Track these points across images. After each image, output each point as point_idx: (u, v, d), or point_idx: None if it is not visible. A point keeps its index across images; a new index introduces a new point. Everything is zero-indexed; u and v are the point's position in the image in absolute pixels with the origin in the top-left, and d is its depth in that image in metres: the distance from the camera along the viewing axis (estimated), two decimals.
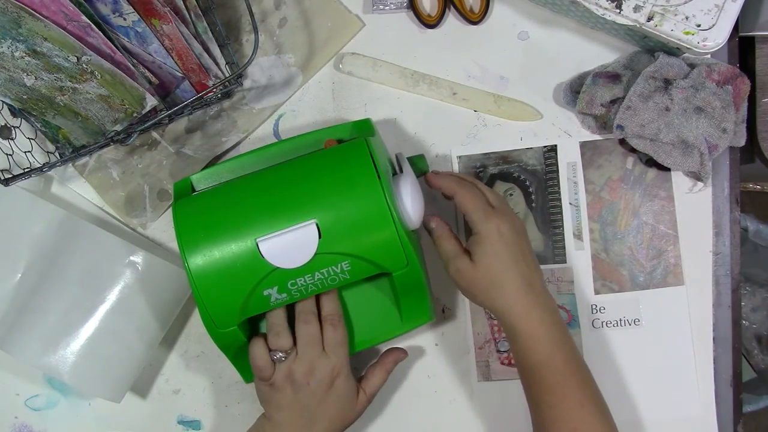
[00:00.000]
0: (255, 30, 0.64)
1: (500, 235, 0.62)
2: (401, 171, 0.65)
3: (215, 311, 0.61)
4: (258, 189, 0.63)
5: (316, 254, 0.60)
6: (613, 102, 0.69)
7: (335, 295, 0.66)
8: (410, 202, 0.62)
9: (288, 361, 0.63)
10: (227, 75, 0.70)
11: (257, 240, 0.60)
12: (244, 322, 0.64)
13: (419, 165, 0.68)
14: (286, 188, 0.62)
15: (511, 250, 0.62)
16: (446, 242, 0.65)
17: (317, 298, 0.66)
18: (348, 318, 0.69)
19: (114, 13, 0.67)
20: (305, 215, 0.60)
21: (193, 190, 0.68)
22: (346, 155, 0.63)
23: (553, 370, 0.61)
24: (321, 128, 0.70)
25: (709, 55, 0.67)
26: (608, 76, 0.70)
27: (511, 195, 0.74)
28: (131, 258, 0.70)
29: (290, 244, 0.60)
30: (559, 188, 0.73)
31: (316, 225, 0.60)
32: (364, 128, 0.68)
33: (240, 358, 0.66)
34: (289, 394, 0.63)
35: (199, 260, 0.60)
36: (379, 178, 0.60)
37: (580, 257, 0.73)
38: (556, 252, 0.73)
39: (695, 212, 0.73)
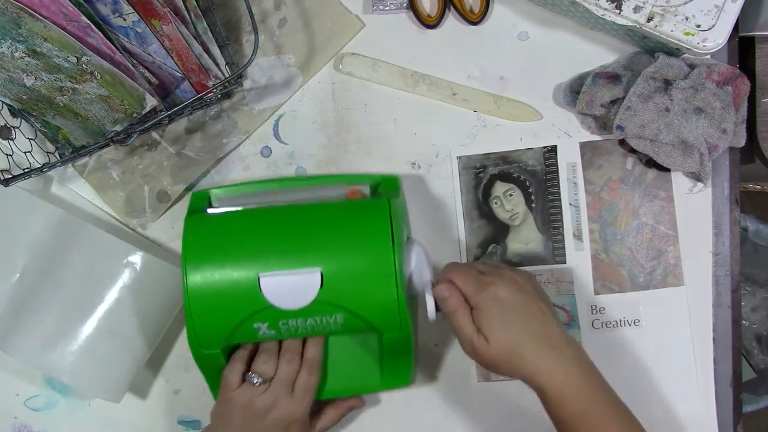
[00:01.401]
0: (255, 30, 0.64)
1: (499, 301, 0.59)
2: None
3: (203, 332, 0.62)
4: (272, 225, 0.63)
5: (313, 301, 0.60)
6: (613, 102, 0.69)
7: (322, 341, 0.67)
8: (418, 270, 0.62)
9: (258, 389, 0.63)
10: (227, 75, 0.70)
11: (260, 274, 0.60)
12: (227, 347, 0.64)
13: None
14: (300, 231, 0.62)
15: (517, 312, 0.59)
16: (459, 319, 0.60)
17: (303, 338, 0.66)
18: (328, 364, 0.69)
19: (114, 14, 0.67)
20: (312, 262, 0.61)
21: (210, 204, 0.68)
22: (366, 213, 0.63)
23: (589, 424, 0.58)
24: (349, 174, 0.71)
25: (709, 56, 0.67)
26: (608, 76, 0.70)
27: (511, 195, 0.74)
28: (129, 258, 0.70)
29: (291, 287, 0.60)
30: (559, 189, 0.73)
31: (321, 274, 0.60)
32: (391, 186, 0.69)
33: (216, 379, 0.67)
34: (241, 419, 0.63)
35: (198, 279, 0.61)
36: (393, 243, 0.60)
37: (580, 257, 0.73)
38: (556, 252, 0.73)
39: (695, 212, 0.73)
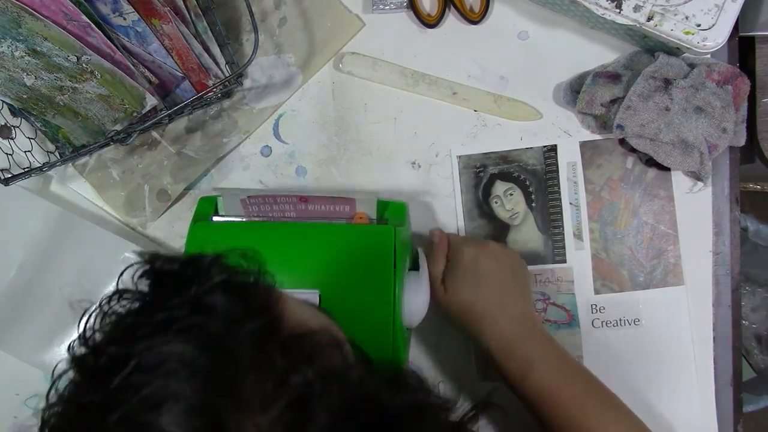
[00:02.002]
0: (255, 30, 0.64)
1: (472, 263, 0.64)
2: (417, 268, 0.65)
3: None
4: (276, 241, 0.63)
5: None
6: (613, 102, 0.69)
7: None
8: (416, 303, 0.62)
9: None
10: (227, 75, 0.70)
11: None
12: None
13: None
14: (302, 250, 0.62)
15: (482, 276, 0.64)
16: (438, 261, 0.67)
17: None
18: None
19: (114, 13, 0.67)
20: (311, 283, 0.60)
21: (216, 211, 0.68)
22: (371, 239, 0.62)
23: (537, 378, 0.60)
24: (356, 191, 0.70)
25: (709, 55, 0.67)
26: (608, 75, 0.70)
27: (511, 195, 0.74)
28: (126, 254, 0.70)
29: None
30: (559, 188, 0.73)
31: (319, 296, 0.60)
32: (398, 213, 0.68)
33: None
34: None
35: None
36: (394, 275, 0.60)
37: (580, 257, 0.73)
38: (556, 252, 0.73)
39: (695, 212, 0.73)
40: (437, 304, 0.65)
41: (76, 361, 0.38)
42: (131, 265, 0.41)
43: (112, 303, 0.40)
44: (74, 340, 0.39)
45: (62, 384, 0.38)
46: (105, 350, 0.36)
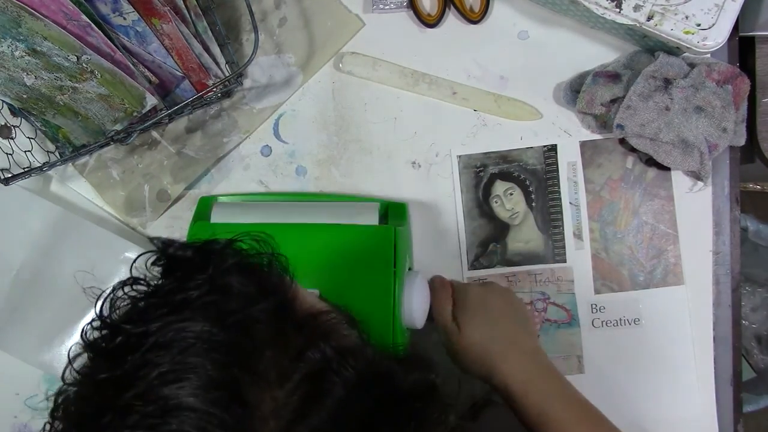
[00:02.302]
0: (255, 29, 0.64)
1: (480, 299, 0.64)
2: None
3: None
4: (277, 241, 0.63)
5: None
6: (613, 101, 0.69)
7: None
8: (416, 302, 0.62)
9: None
10: (227, 74, 0.70)
11: None
12: None
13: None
14: (301, 250, 0.62)
15: (493, 314, 0.64)
16: (441, 305, 0.65)
17: None
18: None
19: (114, 13, 0.67)
20: (311, 282, 0.60)
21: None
22: (371, 239, 0.62)
23: (547, 419, 0.60)
24: (358, 196, 0.71)
25: (709, 55, 0.67)
26: (608, 75, 0.70)
27: (511, 194, 0.74)
28: (126, 254, 0.70)
29: None
30: (559, 188, 0.73)
31: (318, 296, 0.60)
32: (399, 213, 0.68)
33: None
34: None
35: None
36: (394, 274, 0.60)
37: (580, 257, 0.73)
38: (556, 251, 0.73)
39: (695, 212, 0.73)
40: (453, 347, 0.63)
41: (91, 342, 0.38)
42: (144, 253, 0.41)
43: (126, 289, 0.40)
44: (87, 324, 0.39)
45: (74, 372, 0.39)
46: (122, 329, 0.37)
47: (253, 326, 0.37)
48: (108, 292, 0.40)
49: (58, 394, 0.38)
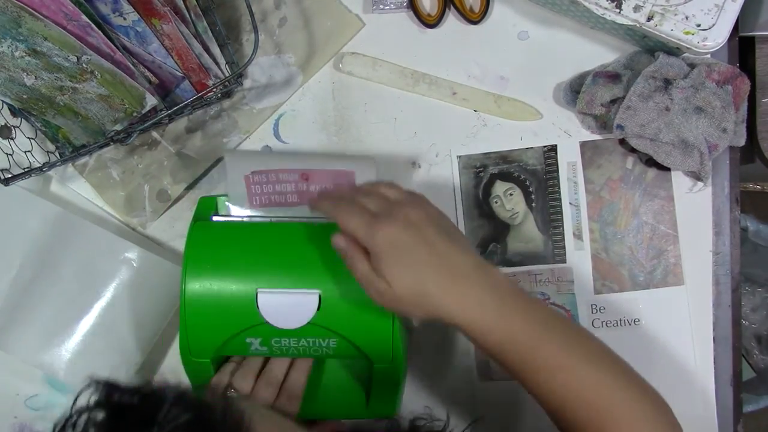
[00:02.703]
0: (255, 30, 0.64)
1: (393, 243, 0.54)
2: None
3: (195, 340, 0.62)
4: (276, 241, 0.63)
5: (308, 324, 0.60)
6: (613, 102, 0.69)
7: (308, 367, 0.66)
8: None
9: None
10: (227, 75, 0.70)
11: (258, 290, 0.60)
12: (218, 357, 0.64)
13: None
14: (303, 251, 0.62)
15: (413, 252, 0.54)
16: (357, 266, 0.56)
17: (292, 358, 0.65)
18: (314, 384, 0.68)
19: (114, 13, 0.67)
20: (312, 284, 0.60)
21: (217, 211, 0.68)
22: None
23: (515, 347, 0.53)
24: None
25: (709, 55, 0.67)
26: (608, 75, 0.70)
27: (511, 195, 0.74)
28: (126, 254, 0.70)
29: (287, 306, 0.60)
30: (559, 188, 0.73)
31: (319, 296, 0.60)
32: None
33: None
34: None
35: (196, 288, 0.61)
36: None
37: (580, 257, 0.73)
38: (556, 252, 0.73)
39: (695, 212, 0.73)
40: (388, 304, 0.55)
41: None
42: (86, 387, 0.39)
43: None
44: None
45: None
46: None
47: None
48: None
49: None
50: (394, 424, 0.63)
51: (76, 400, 0.39)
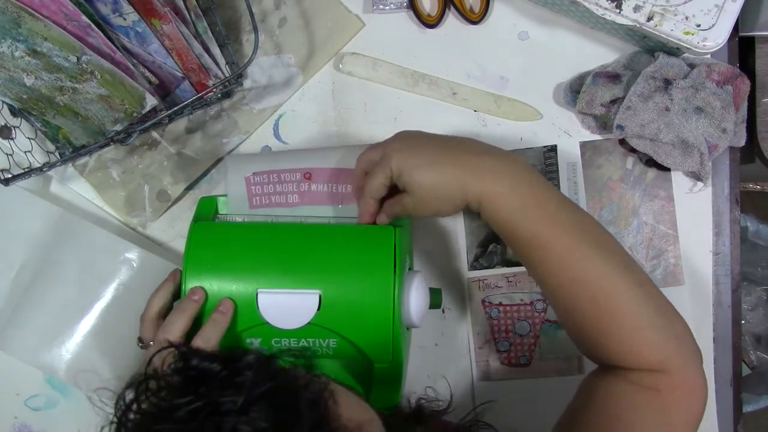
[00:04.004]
0: (255, 30, 0.64)
1: (401, 151, 0.59)
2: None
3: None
4: (276, 242, 0.63)
5: (308, 324, 0.60)
6: (613, 102, 0.69)
7: (224, 325, 0.65)
8: (415, 302, 0.62)
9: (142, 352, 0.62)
10: (227, 75, 0.70)
11: (258, 291, 0.60)
12: None
13: (434, 299, 0.67)
14: (302, 251, 0.62)
15: (425, 146, 0.59)
16: (380, 177, 0.60)
17: None
18: None
19: (114, 13, 0.67)
20: (312, 284, 0.60)
21: (217, 212, 0.68)
22: (371, 239, 0.62)
23: (525, 223, 0.56)
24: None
25: (709, 55, 0.67)
26: (608, 76, 0.70)
27: None
28: (126, 255, 0.70)
29: (287, 306, 0.60)
30: (559, 188, 0.73)
31: (319, 297, 0.60)
32: None
33: None
34: None
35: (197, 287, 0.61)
36: (394, 275, 0.60)
37: None
38: None
39: (695, 212, 0.73)
40: (415, 210, 0.59)
41: None
42: (162, 350, 0.39)
43: (142, 398, 0.38)
44: None
45: None
46: None
47: None
48: (120, 404, 0.39)
49: None
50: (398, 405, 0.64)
51: (149, 362, 0.39)
